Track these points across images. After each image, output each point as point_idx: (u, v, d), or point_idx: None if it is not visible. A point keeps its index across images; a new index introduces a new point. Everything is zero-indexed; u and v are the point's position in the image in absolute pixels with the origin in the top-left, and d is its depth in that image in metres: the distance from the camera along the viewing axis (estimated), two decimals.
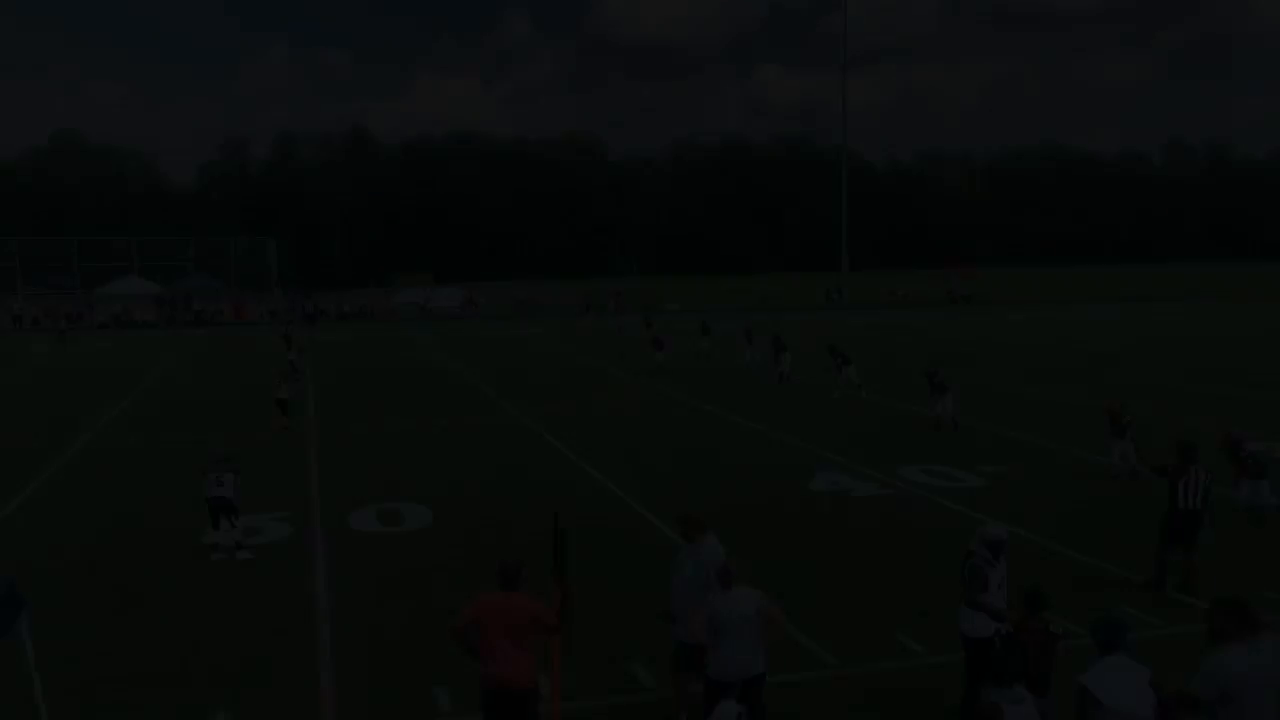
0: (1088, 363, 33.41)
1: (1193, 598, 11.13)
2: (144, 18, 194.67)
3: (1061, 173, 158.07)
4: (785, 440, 20.87)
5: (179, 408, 26.25)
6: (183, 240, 78.18)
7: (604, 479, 17.52)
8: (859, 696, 9.10)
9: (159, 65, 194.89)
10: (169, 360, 38.11)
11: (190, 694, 9.27)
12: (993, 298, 72.30)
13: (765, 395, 27.07)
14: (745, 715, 6.69)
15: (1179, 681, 6.25)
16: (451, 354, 39.04)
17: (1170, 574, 11.64)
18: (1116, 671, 6.29)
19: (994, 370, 31.66)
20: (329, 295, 71.90)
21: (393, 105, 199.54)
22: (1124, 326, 48.80)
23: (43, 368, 36.43)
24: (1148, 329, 46.93)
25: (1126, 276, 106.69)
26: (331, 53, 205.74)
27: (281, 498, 16.47)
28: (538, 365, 34.89)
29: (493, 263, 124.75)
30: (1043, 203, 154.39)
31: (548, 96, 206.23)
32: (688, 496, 16.26)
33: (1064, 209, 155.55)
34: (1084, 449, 19.50)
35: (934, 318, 55.99)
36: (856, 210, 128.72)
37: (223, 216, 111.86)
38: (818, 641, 10.31)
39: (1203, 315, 57.56)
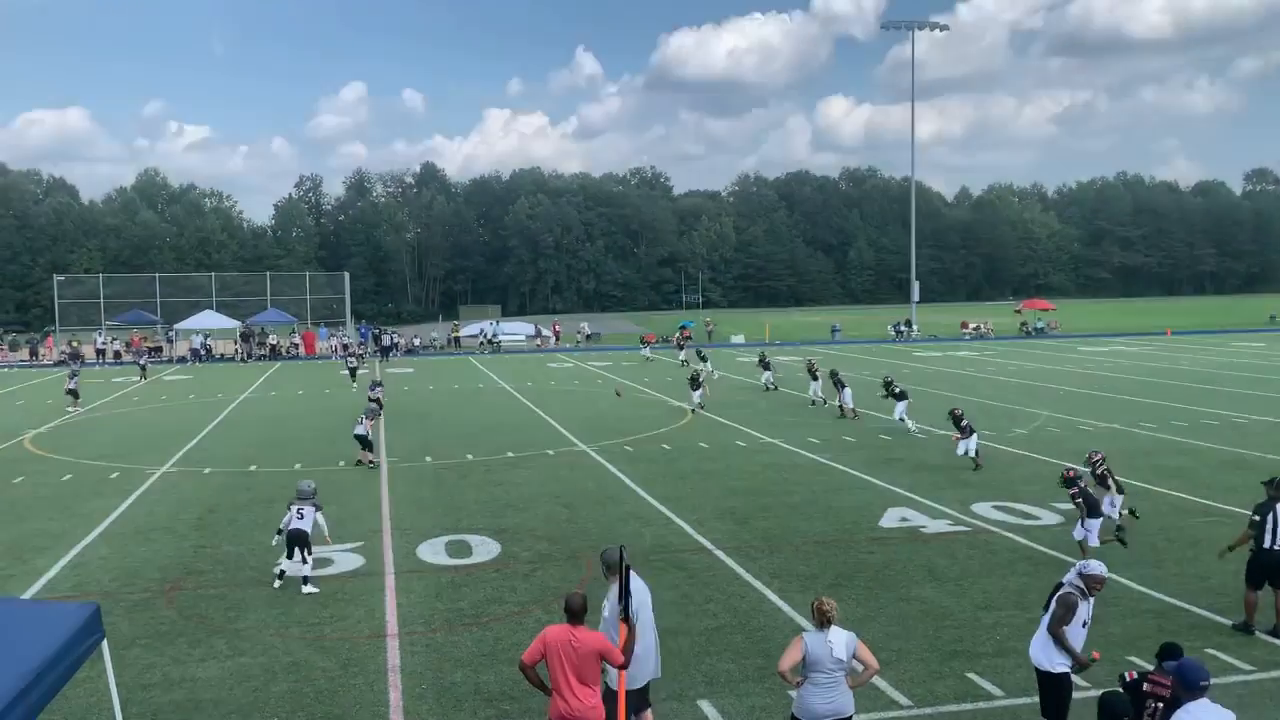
0: (1168, 395, 32.49)
1: None
2: (226, 61, 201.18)
3: (1137, 203, 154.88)
4: (854, 475, 20.60)
5: (253, 440, 26.77)
6: (259, 276, 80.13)
7: (670, 513, 17.44)
8: None
9: (239, 108, 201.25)
10: (245, 393, 38.96)
11: None
12: (1067, 330, 70.88)
13: (830, 429, 26.77)
14: None
15: None
16: (519, 387, 39.33)
17: (1261, 615, 11.22)
18: (1200, 717, 6.08)
19: (1070, 404, 30.96)
20: (399, 329, 73.02)
21: (463, 143, 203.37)
22: (1205, 358, 47.44)
23: (126, 399, 37.46)
24: (1229, 360, 45.53)
25: (1206, 308, 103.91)
26: (406, 94, 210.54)
27: (353, 528, 16.67)
28: (605, 399, 34.96)
29: (560, 297, 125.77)
30: (1117, 234, 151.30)
31: (614, 132, 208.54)
32: (755, 531, 16.11)
33: (1140, 240, 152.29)
34: (1169, 484, 18.93)
35: (1006, 351, 55.02)
36: (926, 243, 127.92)
37: (298, 252, 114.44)
38: (889, 682, 10.10)
39: None
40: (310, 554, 13.48)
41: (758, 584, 13.26)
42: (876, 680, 10.09)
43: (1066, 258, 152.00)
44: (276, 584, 13.44)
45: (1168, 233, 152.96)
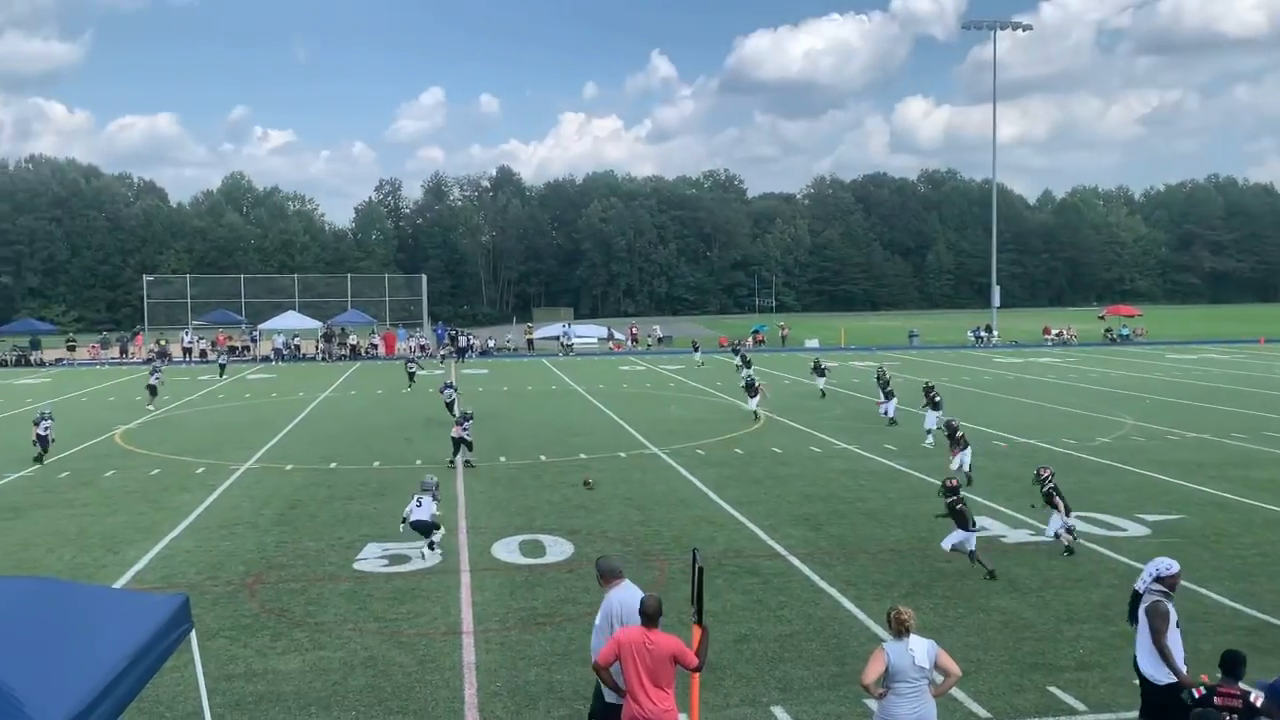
0: (1262, 405, 31.39)
1: None
2: (308, 67, 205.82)
3: (1230, 206, 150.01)
4: (930, 482, 20.27)
5: (333, 437, 27.30)
6: (340, 278, 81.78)
7: (743, 517, 17.35)
8: None
9: (321, 113, 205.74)
10: (326, 392, 39.77)
11: (341, 718, 9.53)
12: (1154, 337, 68.94)
13: (907, 437, 26.38)
14: None
15: None
16: (591, 390, 39.52)
17: None
18: None
19: (1157, 412, 30.11)
20: (474, 330, 73.93)
21: (538, 147, 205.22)
22: None
23: (211, 396, 38.49)
24: None
25: None
26: (483, 99, 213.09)
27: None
28: (679, 402, 34.95)
29: (632, 300, 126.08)
30: (1208, 238, 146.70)
31: (688, 135, 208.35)
32: (830, 537, 15.96)
33: (1232, 244, 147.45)
34: (1261, 497, 18.30)
35: (1090, 358, 53.71)
36: (1007, 247, 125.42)
37: (377, 255, 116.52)
38: (968, 694, 9.91)
39: None
40: (436, 533, 15.10)
41: (833, 591, 13.13)
42: (955, 691, 9.92)
43: (1153, 262, 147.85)
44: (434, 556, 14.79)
45: (1262, 236, 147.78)
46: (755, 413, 29.77)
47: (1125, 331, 70.32)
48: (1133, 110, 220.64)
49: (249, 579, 14.02)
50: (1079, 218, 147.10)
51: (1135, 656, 8.34)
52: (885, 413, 28.82)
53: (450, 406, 34.48)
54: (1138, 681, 8.39)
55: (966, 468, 20.58)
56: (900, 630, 7.50)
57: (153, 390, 33.19)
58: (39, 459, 23.23)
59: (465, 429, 22.60)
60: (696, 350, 53.82)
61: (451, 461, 22.56)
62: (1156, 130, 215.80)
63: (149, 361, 56.33)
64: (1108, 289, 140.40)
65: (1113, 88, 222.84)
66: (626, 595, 7.97)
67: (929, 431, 24.68)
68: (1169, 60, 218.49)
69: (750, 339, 61.70)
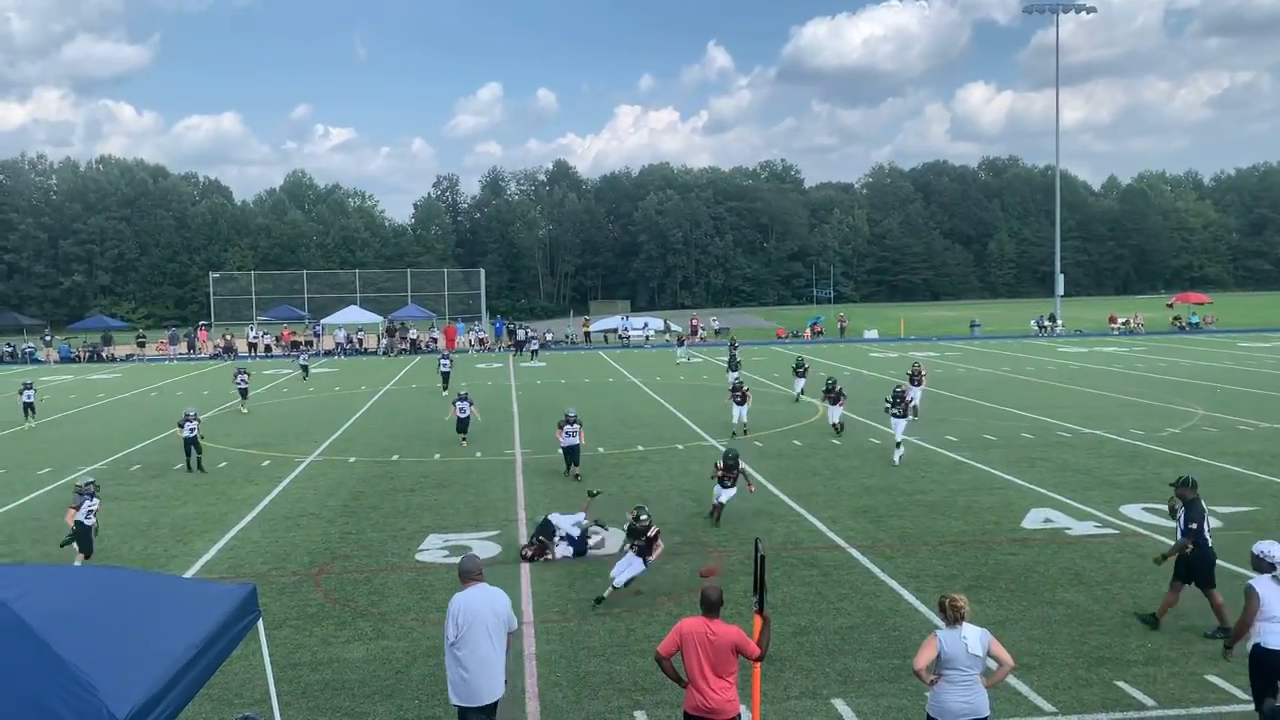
0: None
1: None
2: (368, 65, 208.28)
3: None
4: (994, 474, 19.99)
5: (395, 430, 27.64)
6: (400, 273, 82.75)
7: (802, 509, 17.25)
8: None
9: (381, 111, 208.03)
10: (387, 385, 40.30)
11: (404, 707, 9.66)
12: (1225, 325, 67.16)
13: (969, 427, 26.02)
14: None
15: None
16: (647, 381, 39.54)
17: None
18: None
19: (1228, 402, 29.33)
20: (532, 324, 74.38)
21: (594, 140, 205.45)
22: None
23: (276, 390, 39.19)
24: None
25: None
26: (540, 94, 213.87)
27: (489, 517, 17.04)
28: (714, 391, 34.78)
29: (689, 292, 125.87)
30: None
31: (744, 126, 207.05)
32: (891, 530, 15.81)
33: None
34: None
35: (1157, 346, 52.49)
36: (1071, 234, 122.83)
37: (436, 250, 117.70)
38: (1032, 687, 9.76)
39: None
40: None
41: (893, 583, 13.01)
42: (1019, 685, 9.78)
43: (1224, 248, 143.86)
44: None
45: None
46: (744, 426, 25.42)
47: (1195, 319, 68.61)
48: (1202, 93, 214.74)
49: (314, 569, 14.27)
50: (1146, 204, 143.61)
51: None
52: (797, 390, 31.16)
53: (445, 378, 35.54)
54: None
55: (835, 420, 24.40)
56: (955, 618, 7.44)
57: (243, 394, 32.74)
58: (197, 464, 22.06)
59: (461, 409, 24.35)
60: (681, 344, 50.36)
61: (464, 438, 24.26)
62: (1227, 113, 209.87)
63: (216, 357, 57.55)
64: (1176, 276, 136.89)
65: (1180, 70, 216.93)
66: (471, 596, 7.89)
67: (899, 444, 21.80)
68: (1240, 41, 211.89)
69: (731, 343, 58.67)
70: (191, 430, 21.90)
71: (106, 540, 16.21)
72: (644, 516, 12.51)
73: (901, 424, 21.96)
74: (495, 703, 7.87)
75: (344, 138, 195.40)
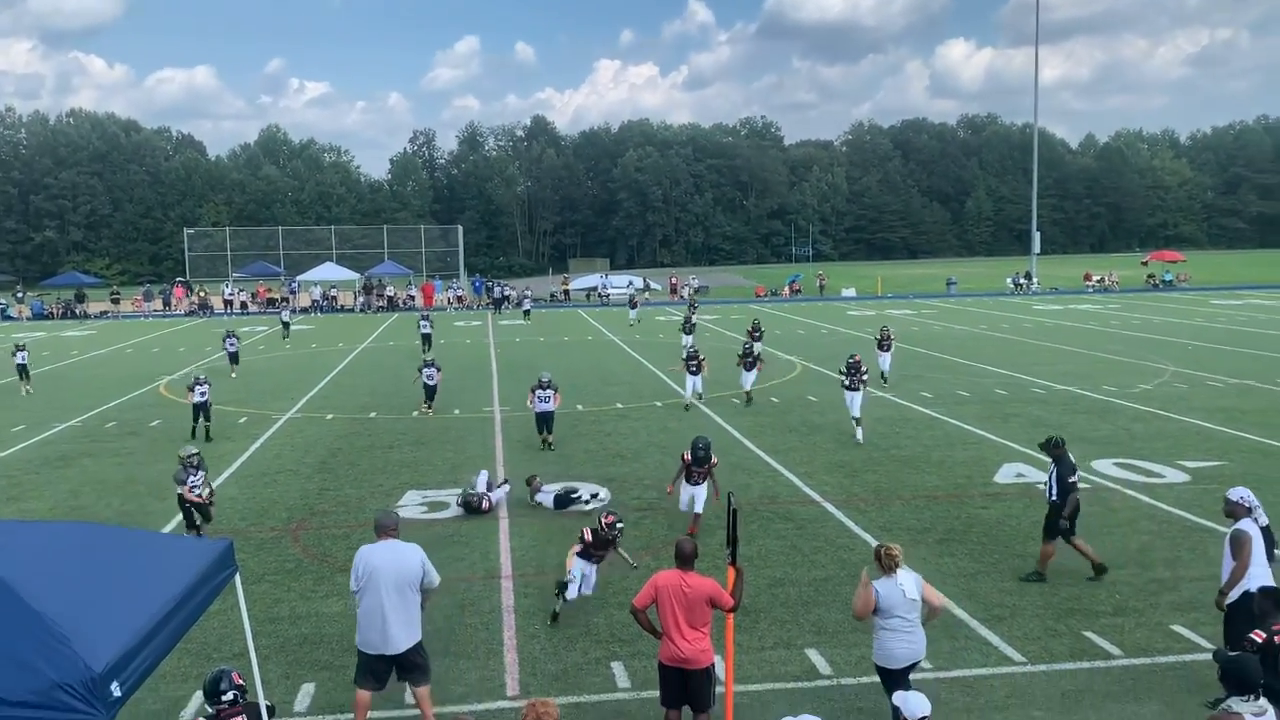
0: None
1: None
2: (344, 17, 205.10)
3: (1278, 149, 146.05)
4: (967, 429, 20.20)
5: (372, 388, 27.58)
6: (376, 229, 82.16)
7: (779, 465, 17.39)
8: (1053, 699, 8.71)
9: (356, 64, 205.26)
10: (365, 343, 40.15)
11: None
12: (1198, 283, 67.72)
13: (944, 384, 26.23)
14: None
15: None
16: (627, 340, 39.57)
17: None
18: None
19: (1199, 359, 29.66)
20: (510, 281, 74.12)
21: (573, 95, 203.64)
22: None
23: (252, 348, 38.96)
24: None
25: None
26: (518, 47, 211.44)
27: (468, 474, 17.08)
28: (713, 352, 34.88)
29: (668, 250, 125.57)
30: (1256, 181, 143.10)
31: (724, 82, 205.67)
32: (865, 484, 15.97)
33: None
34: None
35: (1131, 304, 52.92)
36: (1048, 193, 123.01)
37: (413, 206, 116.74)
38: (1002, 638, 9.95)
39: None
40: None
41: (867, 536, 13.17)
42: (990, 636, 9.97)
43: (1199, 207, 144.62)
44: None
45: None
46: (700, 395, 23.91)
47: (1168, 277, 69.18)
48: (1181, 50, 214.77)
49: (292, 525, 14.29)
50: (1122, 162, 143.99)
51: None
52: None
53: (426, 339, 34.74)
54: None
55: (747, 385, 23.26)
56: (890, 566, 7.68)
57: (233, 358, 31.27)
58: (205, 433, 20.59)
59: (429, 375, 23.21)
60: (634, 307, 47.16)
61: (429, 406, 23.22)
62: (1205, 71, 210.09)
63: (192, 314, 57.16)
64: (1151, 234, 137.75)
65: (1160, 27, 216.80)
66: (375, 550, 8.05)
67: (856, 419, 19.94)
68: None
69: (690, 293, 56.93)
70: (203, 395, 20.61)
71: (82, 498, 16.19)
72: (618, 527, 10.78)
73: (857, 398, 19.77)
74: (404, 654, 7.99)
75: (319, 92, 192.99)
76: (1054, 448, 11.74)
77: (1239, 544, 8.50)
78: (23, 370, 28.03)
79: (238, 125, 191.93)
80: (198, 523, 13.03)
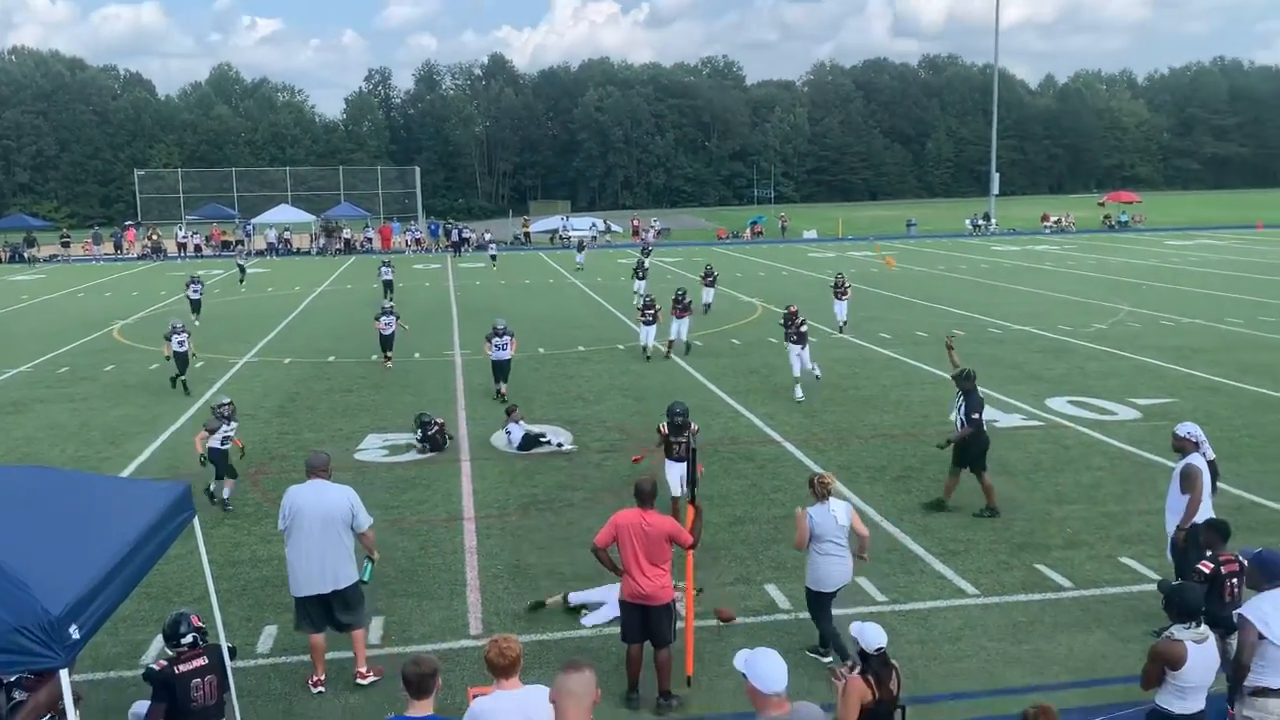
0: (1257, 290, 31.37)
1: None
2: None
3: (1234, 90, 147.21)
4: (925, 369, 20.44)
5: (330, 331, 27.33)
6: (332, 170, 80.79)
7: (740, 406, 17.52)
8: (1004, 630, 8.93)
9: (309, 0, 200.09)
10: (321, 286, 39.68)
11: None
12: (1153, 224, 68.50)
13: (904, 325, 26.44)
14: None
15: None
16: (589, 283, 39.43)
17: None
18: (1278, 604, 6.07)
19: (1152, 298, 30.11)
20: (470, 224, 73.30)
21: (532, 33, 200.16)
22: None
23: (207, 291, 38.38)
24: None
25: None
26: None
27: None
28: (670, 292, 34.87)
29: (629, 193, 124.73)
30: (1211, 122, 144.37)
31: (686, 20, 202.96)
32: (824, 424, 16.14)
33: (1235, 129, 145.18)
34: (1252, 380, 18.45)
35: (1087, 244, 53.46)
36: (1007, 134, 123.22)
37: (369, 146, 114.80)
38: (956, 571, 10.16)
39: None
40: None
41: None
42: (944, 570, 10.18)
43: (1155, 148, 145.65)
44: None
45: (1264, 120, 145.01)
46: (661, 346, 22.54)
47: (1124, 218, 69.88)
48: None
49: (251, 469, 14.21)
50: (1081, 103, 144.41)
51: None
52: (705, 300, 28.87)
53: (388, 286, 33.54)
54: None
55: (684, 336, 22.36)
56: (823, 493, 8.12)
57: (195, 306, 30.22)
58: (181, 381, 19.58)
59: (386, 324, 21.65)
60: (580, 250, 46.99)
61: (387, 357, 21.89)
62: (1164, 12, 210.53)
63: (145, 258, 56.14)
64: (1108, 175, 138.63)
65: None
66: (300, 491, 8.16)
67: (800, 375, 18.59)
68: None
69: (650, 235, 54.89)
70: (181, 345, 19.45)
71: (36, 444, 15.98)
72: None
73: (799, 353, 18.41)
74: (335, 594, 8.00)
75: (271, 29, 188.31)
76: (964, 380, 11.89)
77: (1190, 479, 8.69)
78: None
79: (187, 64, 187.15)
80: (220, 474, 12.69)
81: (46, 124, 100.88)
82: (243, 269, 42.79)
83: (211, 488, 12.78)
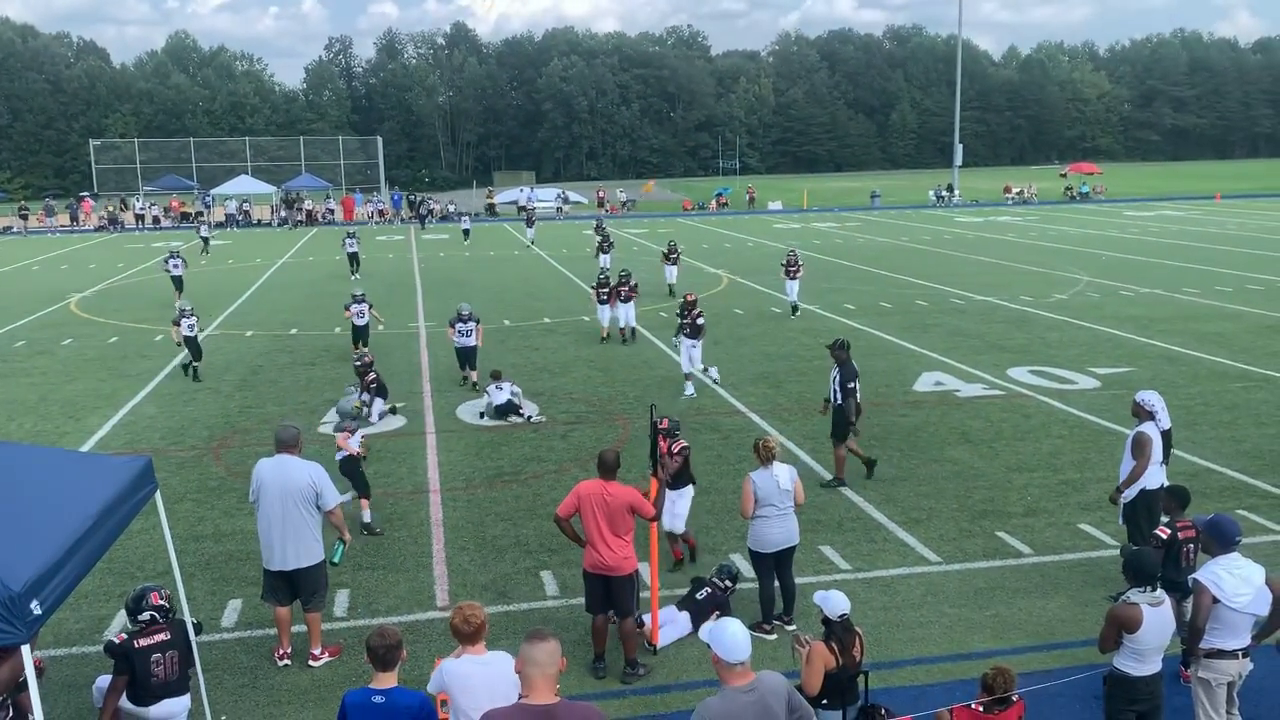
0: (1214, 260, 31.84)
1: None
2: None
3: (1193, 62, 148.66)
4: (889, 340, 20.58)
5: (293, 304, 27.07)
6: (293, 140, 79.71)
7: (702, 377, 17.55)
8: (966, 596, 9.06)
9: None
10: (283, 258, 39.24)
11: None
12: (1114, 195, 69.23)
13: (868, 296, 26.60)
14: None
15: None
16: (554, 254, 39.29)
17: None
18: (1231, 569, 6.21)
19: (1113, 269, 30.48)
20: (433, 195, 72.66)
21: (496, 2, 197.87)
22: (1254, 222, 46.23)
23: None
24: (1279, 224, 44.37)
25: (1259, 171, 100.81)
26: None
27: (394, 390, 16.92)
28: (638, 266, 34.84)
29: (594, 163, 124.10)
30: (1170, 94, 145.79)
31: None
32: (789, 395, 16.24)
33: (1194, 101, 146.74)
34: (1208, 349, 18.77)
35: (1049, 215, 53.94)
36: (971, 105, 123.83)
37: (330, 116, 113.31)
38: (919, 539, 10.29)
39: None
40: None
41: (790, 445, 13.43)
42: (907, 538, 10.30)
43: (1116, 120, 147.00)
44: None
45: (1223, 92, 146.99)
46: (630, 329, 21.24)
47: (1085, 189, 70.56)
48: None
49: (214, 443, 14.10)
50: (1043, 74, 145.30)
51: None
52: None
53: (353, 259, 32.79)
54: None
55: (632, 321, 20.91)
56: (767, 457, 8.24)
57: (178, 283, 28.78)
58: (192, 368, 18.33)
59: (358, 314, 19.84)
60: (530, 225, 44.44)
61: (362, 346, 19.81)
62: None
63: (102, 229, 55.21)
64: (1070, 147, 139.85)
65: None
66: (265, 465, 8.00)
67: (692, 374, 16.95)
68: None
69: (598, 226, 53.73)
70: (191, 328, 18.31)
71: None
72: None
73: (688, 348, 16.73)
74: (297, 573, 7.94)
75: None
76: (838, 349, 11.91)
77: (1140, 445, 8.84)
78: None
79: (143, 31, 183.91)
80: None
81: None
82: (206, 240, 42.09)
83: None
